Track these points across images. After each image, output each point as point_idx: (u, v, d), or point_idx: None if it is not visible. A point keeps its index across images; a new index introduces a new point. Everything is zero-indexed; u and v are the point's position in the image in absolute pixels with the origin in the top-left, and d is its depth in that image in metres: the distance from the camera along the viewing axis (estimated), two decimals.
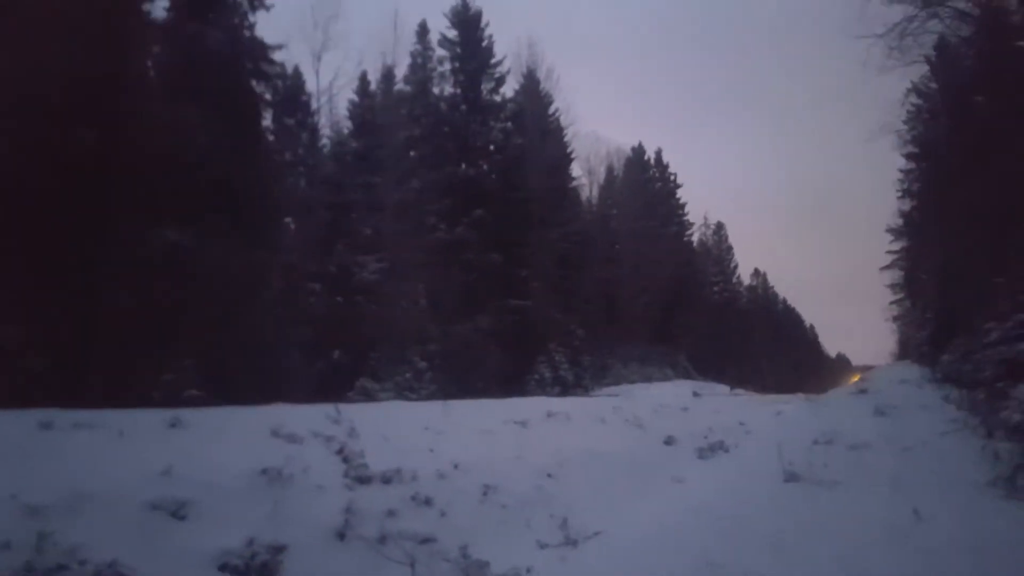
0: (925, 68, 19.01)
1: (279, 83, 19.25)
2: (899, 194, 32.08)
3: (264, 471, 5.96)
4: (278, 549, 4.91)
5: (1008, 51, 13.88)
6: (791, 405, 22.82)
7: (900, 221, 33.54)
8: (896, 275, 37.48)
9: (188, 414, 7.39)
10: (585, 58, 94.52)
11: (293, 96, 22.52)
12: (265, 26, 17.22)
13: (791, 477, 9.10)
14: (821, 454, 10.89)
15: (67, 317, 10.86)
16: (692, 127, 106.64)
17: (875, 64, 13.88)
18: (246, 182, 14.57)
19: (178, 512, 5.03)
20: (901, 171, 30.49)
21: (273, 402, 9.18)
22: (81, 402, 7.10)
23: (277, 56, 17.99)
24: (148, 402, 10.12)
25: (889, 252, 36.69)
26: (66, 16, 10.55)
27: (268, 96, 18.35)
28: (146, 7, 13.57)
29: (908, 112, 22.38)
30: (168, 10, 14.79)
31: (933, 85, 21.78)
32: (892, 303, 39.71)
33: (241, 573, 4.68)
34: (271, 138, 20.36)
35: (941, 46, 17.33)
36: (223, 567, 4.66)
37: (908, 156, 27.83)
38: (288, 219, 21.15)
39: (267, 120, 19.40)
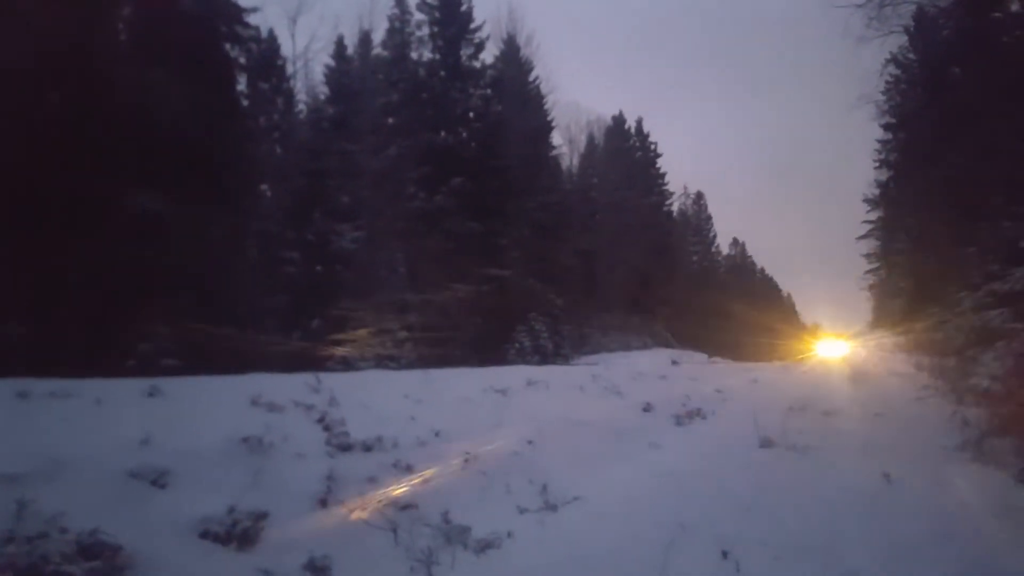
0: (904, 39, 19.07)
1: (253, 47, 18.85)
2: (876, 164, 32.33)
3: (244, 440, 5.95)
4: (259, 516, 4.92)
5: (985, 23, 13.94)
6: (767, 373, 23.22)
7: (876, 191, 33.85)
8: (872, 245, 37.92)
9: (166, 383, 7.35)
10: (566, 26, 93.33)
11: (268, 60, 22.05)
12: None
13: (765, 443, 9.29)
14: (795, 420, 11.13)
15: (40, 285, 10.69)
16: (673, 97, 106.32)
17: (854, 34, 13.88)
18: (220, 147, 14.33)
19: (158, 480, 5.01)
20: (878, 141, 30.67)
21: (251, 371, 9.15)
22: (56, 371, 7.01)
23: (251, 19, 17.62)
24: (124, 371, 10.04)
25: (865, 222, 37.09)
26: None
27: (242, 60, 17.99)
28: None
29: (886, 83, 22.50)
30: None
31: (911, 56, 21.87)
32: (868, 272, 40.25)
33: (222, 540, 4.69)
34: (245, 103, 19.97)
35: (920, 17, 17.38)
36: (204, 534, 4.67)
37: (885, 127, 28.00)
38: (264, 186, 20.85)
39: (241, 85, 19.03)
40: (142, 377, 7.99)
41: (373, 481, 6.12)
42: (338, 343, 17.17)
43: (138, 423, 5.69)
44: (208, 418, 6.47)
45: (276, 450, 6.06)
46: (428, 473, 6.61)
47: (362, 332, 17.90)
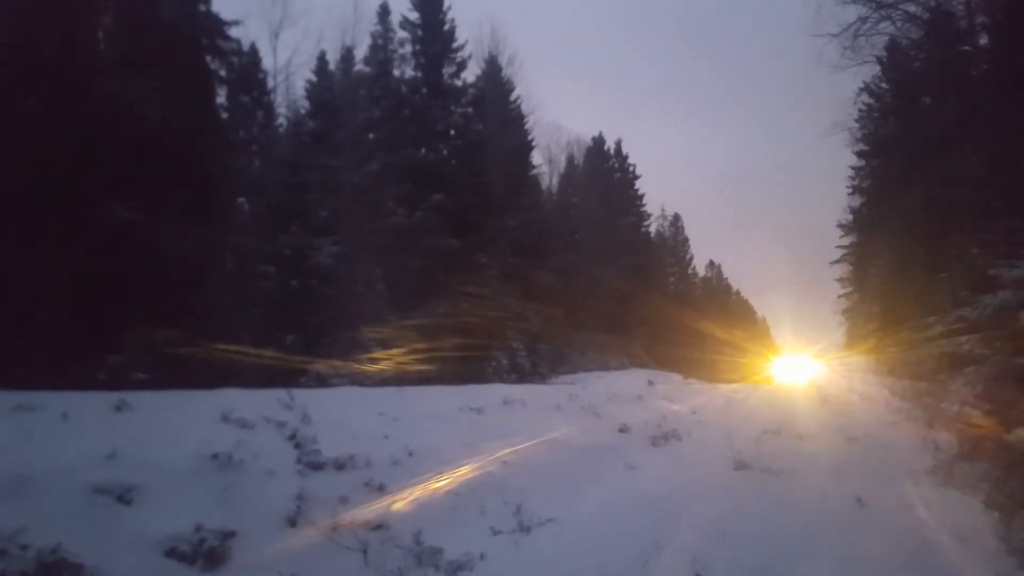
0: (877, 68, 19.47)
1: (235, 60, 18.81)
2: (850, 191, 32.92)
3: (214, 456, 5.86)
4: (227, 535, 4.83)
5: (954, 55, 14.30)
6: (742, 394, 23.34)
7: (850, 217, 34.45)
8: (845, 269, 38.55)
9: (135, 397, 7.22)
10: (548, 47, 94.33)
11: (249, 73, 21.97)
12: (222, 1, 16.80)
13: (740, 465, 9.32)
14: (770, 443, 11.20)
15: (9, 294, 10.47)
16: (651, 120, 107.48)
17: (829, 62, 14.15)
18: (198, 159, 14.20)
19: (124, 496, 4.91)
20: (852, 168, 31.25)
21: (224, 386, 9.02)
22: (22, 383, 6.86)
23: (233, 32, 17.59)
24: (93, 384, 9.84)
25: (839, 247, 37.72)
26: None
27: (223, 72, 17.93)
28: None
29: (860, 111, 22.93)
30: None
31: (884, 85, 22.33)
32: (841, 296, 40.85)
33: (189, 559, 4.60)
34: (225, 116, 19.87)
35: (892, 47, 17.77)
36: (170, 552, 4.57)
37: (859, 153, 28.55)
38: (241, 199, 20.68)
39: (221, 97, 18.96)
40: (112, 391, 7.85)
41: (344, 500, 6.05)
42: (310, 359, 16.99)
43: (105, 438, 5.58)
44: (177, 434, 6.35)
45: (246, 467, 5.97)
46: (401, 493, 6.55)
47: (338, 349, 17.72)
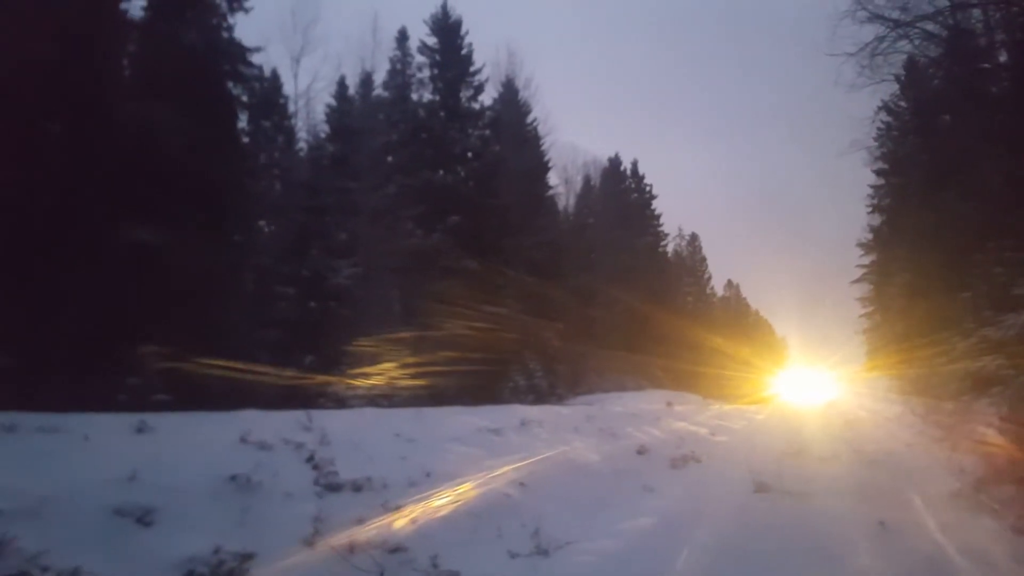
0: (895, 87, 19.41)
1: (256, 85, 19.12)
2: (869, 209, 32.65)
3: (232, 478, 5.88)
4: (245, 557, 4.84)
5: (974, 73, 14.24)
6: (762, 416, 23.07)
7: (870, 236, 34.14)
8: (866, 289, 38.11)
9: (155, 419, 7.28)
10: (564, 70, 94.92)
11: (270, 98, 22.34)
12: (244, 28, 17.13)
13: (760, 487, 9.20)
14: (790, 464, 11.04)
15: (32, 316, 10.64)
16: (668, 140, 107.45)
17: (846, 82, 14.13)
18: (220, 183, 14.43)
19: (144, 518, 4.94)
20: (871, 186, 31.03)
21: (243, 408, 9.07)
22: (45, 404, 6.95)
23: (255, 58, 17.89)
24: (114, 406, 9.93)
25: (859, 266, 37.34)
26: (41, 12, 10.40)
27: (244, 98, 18.22)
28: (123, 6, 13.44)
29: (878, 129, 22.80)
30: (145, 9, 14.66)
31: (902, 103, 22.25)
32: (861, 316, 40.34)
33: None
34: (246, 140, 20.18)
35: (910, 66, 17.72)
36: (189, 574, 4.59)
37: (878, 172, 28.39)
38: (262, 222, 20.96)
39: (243, 122, 19.24)
40: (132, 412, 7.92)
41: (362, 522, 6.03)
42: (329, 380, 17.05)
43: (125, 459, 5.62)
44: (196, 455, 6.39)
45: (264, 489, 5.98)
46: (418, 515, 6.52)
47: (356, 370, 17.79)
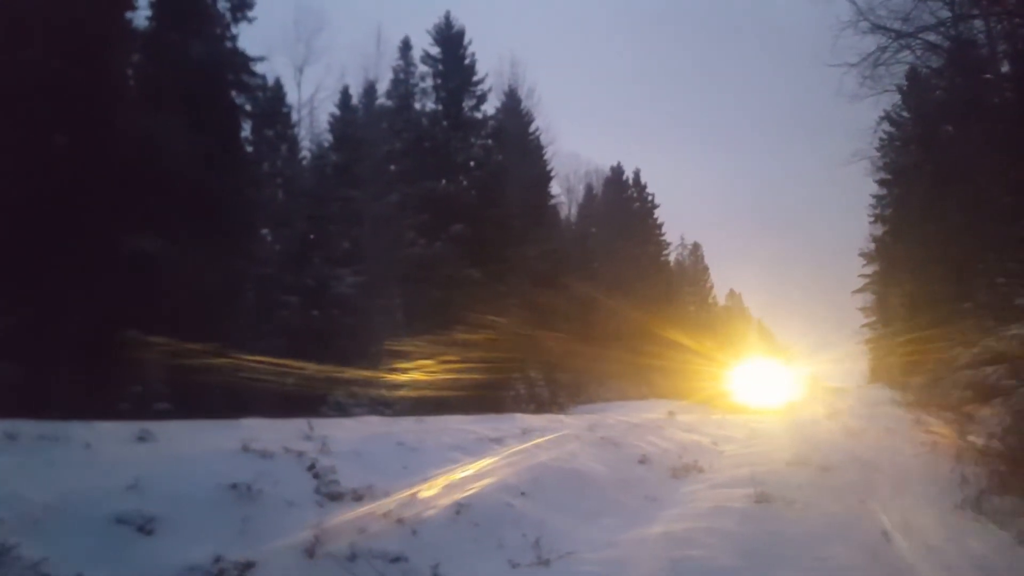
0: (896, 97, 19.45)
1: (260, 95, 19.26)
2: (871, 219, 32.75)
3: (233, 486, 5.87)
4: (246, 566, 4.83)
5: (976, 83, 14.26)
6: (764, 425, 22.97)
7: (872, 246, 34.18)
8: (868, 299, 38.11)
9: (157, 427, 7.29)
10: (566, 79, 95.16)
11: (273, 108, 22.47)
12: (248, 38, 17.27)
13: (762, 497, 9.14)
14: (793, 474, 10.98)
15: (35, 324, 10.67)
16: (670, 149, 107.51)
17: (848, 92, 14.18)
18: (223, 192, 14.51)
19: (145, 527, 4.94)
20: (873, 197, 31.14)
21: (244, 416, 9.07)
22: (47, 413, 6.96)
23: (259, 68, 18.04)
24: (116, 414, 9.95)
25: (861, 276, 37.37)
26: (46, 22, 10.48)
27: (248, 107, 18.34)
28: (128, 16, 13.53)
29: (880, 139, 22.83)
30: (150, 19, 14.78)
31: (904, 114, 22.29)
32: (864, 326, 40.29)
33: None
34: (250, 149, 20.30)
35: (912, 76, 17.76)
36: None
37: (880, 182, 28.47)
38: (265, 230, 21.04)
39: (246, 131, 19.39)
40: (134, 420, 7.93)
41: (363, 531, 6.02)
42: (330, 388, 17.05)
43: (127, 468, 5.62)
44: (198, 464, 6.39)
45: (265, 498, 5.98)
46: (419, 524, 6.50)
47: (355, 376, 17.79)
